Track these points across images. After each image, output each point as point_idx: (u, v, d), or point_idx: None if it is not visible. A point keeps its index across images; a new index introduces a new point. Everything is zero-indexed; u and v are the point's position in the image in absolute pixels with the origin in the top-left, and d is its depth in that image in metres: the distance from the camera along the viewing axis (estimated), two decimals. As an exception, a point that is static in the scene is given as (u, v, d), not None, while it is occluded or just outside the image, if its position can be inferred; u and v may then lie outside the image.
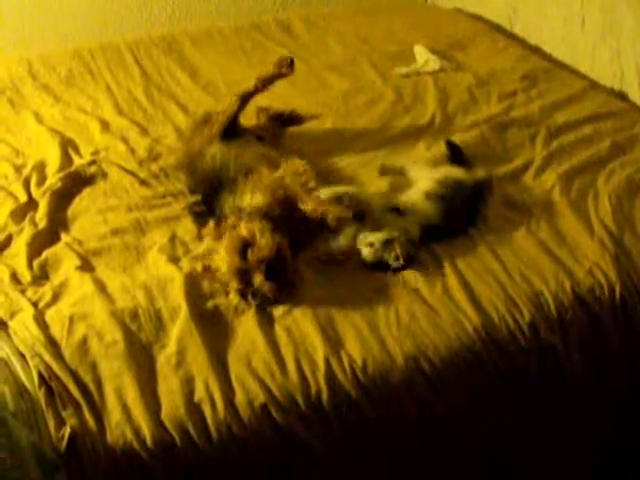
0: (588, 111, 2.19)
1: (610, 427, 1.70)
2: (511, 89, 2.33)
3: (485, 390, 1.50)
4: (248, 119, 2.07)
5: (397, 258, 1.59)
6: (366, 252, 1.61)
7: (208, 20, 3.03)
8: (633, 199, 1.84)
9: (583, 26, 2.48)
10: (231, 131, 1.93)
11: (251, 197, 1.68)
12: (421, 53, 2.52)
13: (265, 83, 2.01)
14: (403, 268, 1.60)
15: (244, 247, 1.54)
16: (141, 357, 1.42)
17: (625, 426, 1.72)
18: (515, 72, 2.42)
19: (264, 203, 1.66)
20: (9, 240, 1.74)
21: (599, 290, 1.59)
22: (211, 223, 1.67)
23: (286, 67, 2.03)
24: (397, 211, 1.71)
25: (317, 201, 1.63)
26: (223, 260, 1.56)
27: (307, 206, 1.62)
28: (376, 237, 1.61)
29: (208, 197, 1.78)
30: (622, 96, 2.34)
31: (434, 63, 2.46)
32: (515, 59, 2.53)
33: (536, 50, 2.66)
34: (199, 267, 1.60)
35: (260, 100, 2.27)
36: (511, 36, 2.78)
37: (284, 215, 1.65)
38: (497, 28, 2.85)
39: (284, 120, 2.13)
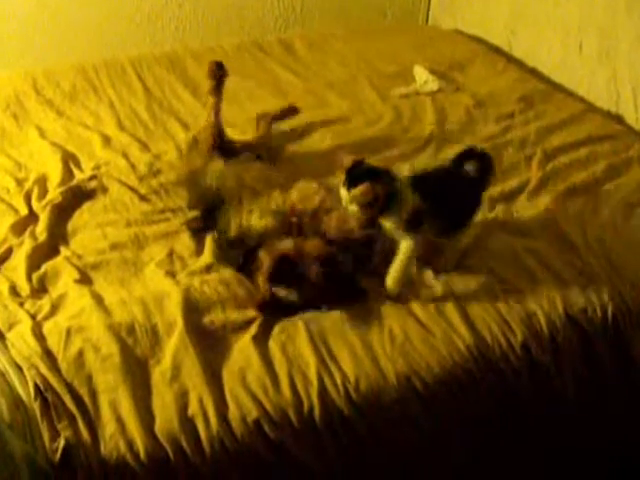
0: (584, 134, 2.22)
1: (602, 446, 1.71)
2: (509, 111, 2.36)
3: (477, 409, 1.51)
4: (245, 132, 2.12)
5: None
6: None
7: (211, 38, 3.07)
8: (627, 220, 1.86)
9: (580, 50, 2.51)
10: (228, 150, 1.95)
11: (260, 218, 1.70)
12: (420, 74, 2.55)
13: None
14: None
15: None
16: (136, 371, 1.43)
17: (617, 444, 1.73)
18: (513, 94, 2.46)
19: (272, 227, 1.68)
20: (9, 253, 1.75)
21: (591, 310, 1.61)
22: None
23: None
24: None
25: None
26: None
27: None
28: None
29: (207, 213, 1.80)
30: (618, 119, 2.37)
31: (433, 84, 2.49)
32: (513, 81, 2.56)
33: (534, 72, 2.70)
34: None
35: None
36: (510, 58, 2.81)
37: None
38: (496, 50, 2.89)
39: (282, 116, 2.19)
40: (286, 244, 1.61)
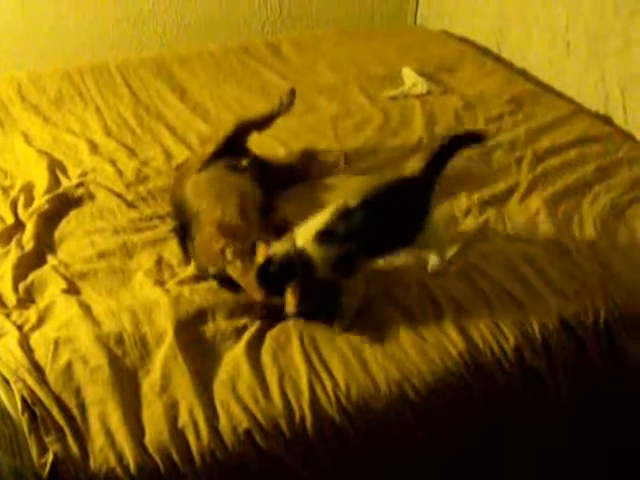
0: (573, 135, 2.22)
1: (596, 450, 1.70)
2: (497, 112, 2.35)
3: (470, 415, 1.50)
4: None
5: None
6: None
7: (198, 42, 3.05)
8: (618, 223, 1.86)
9: (568, 50, 2.51)
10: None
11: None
12: (409, 76, 2.55)
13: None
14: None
15: None
16: (126, 382, 1.41)
17: (611, 448, 1.72)
18: (502, 95, 2.45)
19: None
20: (-5, 262, 1.73)
21: (584, 315, 1.60)
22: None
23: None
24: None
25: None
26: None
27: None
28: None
29: (181, 228, 1.79)
30: (607, 120, 2.37)
31: (422, 86, 2.49)
32: (502, 82, 2.56)
33: (523, 73, 2.70)
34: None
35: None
36: (498, 59, 2.82)
37: None
38: (484, 51, 2.89)
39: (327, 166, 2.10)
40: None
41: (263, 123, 2.05)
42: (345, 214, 1.51)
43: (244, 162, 1.92)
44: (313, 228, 1.51)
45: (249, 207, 1.76)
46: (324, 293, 1.53)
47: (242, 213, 1.73)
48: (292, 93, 2.07)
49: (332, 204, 1.56)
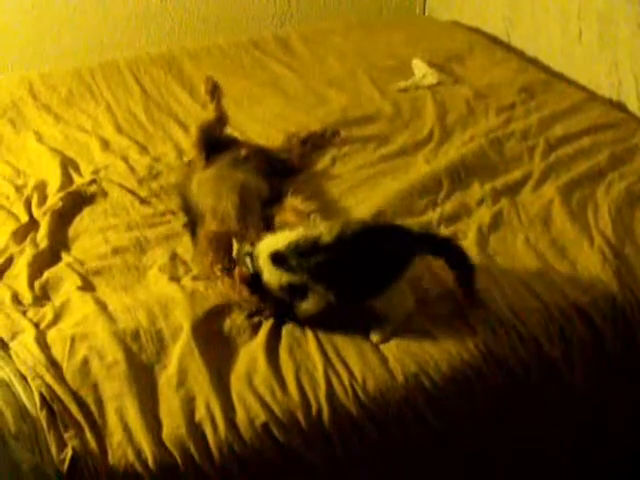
0: (586, 123, 2.20)
1: (616, 439, 1.70)
2: (509, 102, 2.33)
3: (487, 406, 1.50)
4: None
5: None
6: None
7: (207, 37, 3.05)
8: (633, 210, 1.85)
9: (580, 38, 2.49)
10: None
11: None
12: (419, 67, 2.53)
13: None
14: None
15: None
16: (142, 377, 1.42)
17: (628, 438, 1.71)
18: (513, 85, 2.43)
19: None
20: (10, 261, 1.74)
21: (600, 302, 1.59)
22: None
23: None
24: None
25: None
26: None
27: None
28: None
29: (191, 224, 1.79)
30: (620, 107, 2.35)
31: (432, 77, 2.47)
32: (513, 71, 2.54)
33: (534, 62, 2.68)
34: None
35: (258, 115, 2.30)
36: (509, 48, 2.79)
37: None
38: (494, 40, 2.86)
39: (314, 141, 2.12)
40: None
41: (220, 119, 2.05)
42: (313, 245, 1.42)
43: (243, 152, 1.93)
44: (271, 246, 1.46)
45: (252, 204, 1.76)
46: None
47: (242, 213, 1.72)
48: (208, 81, 2.11)
49: (305, 228, 1.48)
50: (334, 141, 2.13)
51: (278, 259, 1.44)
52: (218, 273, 1.59)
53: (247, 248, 1.50)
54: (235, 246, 1.53)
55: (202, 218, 1.74)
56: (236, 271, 1.50)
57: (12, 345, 1.49)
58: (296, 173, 2.01)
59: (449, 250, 1.53)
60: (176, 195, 1.92)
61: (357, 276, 1.44)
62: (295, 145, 2.07)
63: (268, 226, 1.69)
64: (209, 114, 2.07)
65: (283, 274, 1.45)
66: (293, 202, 1.78)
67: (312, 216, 1.71)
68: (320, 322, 1.49)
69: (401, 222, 1.74)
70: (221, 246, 1.62)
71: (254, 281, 1.48)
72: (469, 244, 1.71)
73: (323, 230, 1.44)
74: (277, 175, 1.94)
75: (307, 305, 1.47)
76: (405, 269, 1.46)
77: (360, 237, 1.45)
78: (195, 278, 1.64)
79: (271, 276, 1.46)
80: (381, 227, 1.54)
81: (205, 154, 1.95)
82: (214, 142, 1.99)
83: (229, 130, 2.11)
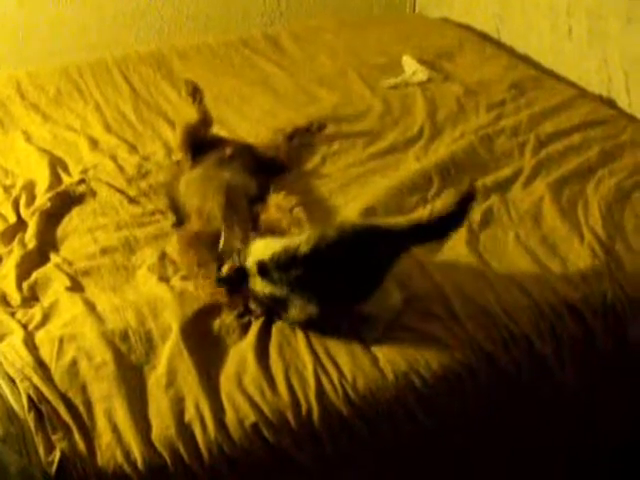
0: (576, 119, 2.20)
1: (606, 436, 1.70)
2: (499, 98, 2.33)
3: (477, 403, 1.49)
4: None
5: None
6: None
7: (196, 36, 3.03)
8: (622, 206, 1.85)
9: (570, 34, 2.49)
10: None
11: None
12: (409, 64, 2.53)
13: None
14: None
15: None
16: (131, 378, 1.41)
17: (618, 435, 1.71)
18: (503, 81, 2.43)
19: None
20: (-2, 261, 1.73)
21: (591, 299, 1.59)
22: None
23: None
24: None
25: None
26: None
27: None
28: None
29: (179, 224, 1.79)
30: (610, 103, 2.35)
31: (422, 74, 2.47)
32: (503, 68, 2.54)
33: (524, 59, 2.67)
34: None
35: (248, 114, 2.29)
36: (499, 45, 2.79)
37: None
38: (484, 37, 2.86)
39: (301, 136, 2.12)
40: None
41: (205, 120, 2.05)
42: (292, 258, 1.40)
43: (228, 151, 1.93)
44: (259, 254, 1.45)
45: (239, 202, 1.75)
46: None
47: (228, 213, 1.70)
48: (188, 84, 2.12)
49: (287, 238, 1.48)
50: (321, 135, 2.13)
51: (263, 270, 1.43)
52: (199, 272, 1.58)
53: (236, 244, 1.48)
54: (222, 240, 1.52)
55: (188, 218, 1.73)
56: (224, 268, 1.49)
57: (0, 347, 1.47)
58: (284, 170, 2.00)
59: (438, 230, 1.47)
60: (164, 195, 1.91)
61: (338, 285, 1.42)
62: (282, 141, 2.06)
63: (255, 225, 1.69)
64: (192, 115, 2.06)
65: (266, 285, 1.44)
66: (276, 199, 1.77)
67: (295, 210, 1.71)
68: (308, 326, 1.48)
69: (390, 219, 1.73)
70: (204, 245, 1.61)
71: (238, 276, 1.47)
72: (459, 241, 1.70)
73: (301, 240, 1.42)
74: (265, 172, 1.93)
75: (290, 315, 1.46)
76: (388, 271, 1.44)
77: (337, 246, 1.41)
78: (184, 278, 1.63)
79: (256, 284, 1.45)
80: (359, 232, 1.47)
81: (191, 155, 1.94)
82: (199, 143, 1.98)
83: (216, 129, 2.10)
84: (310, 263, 1.40)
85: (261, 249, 1.46)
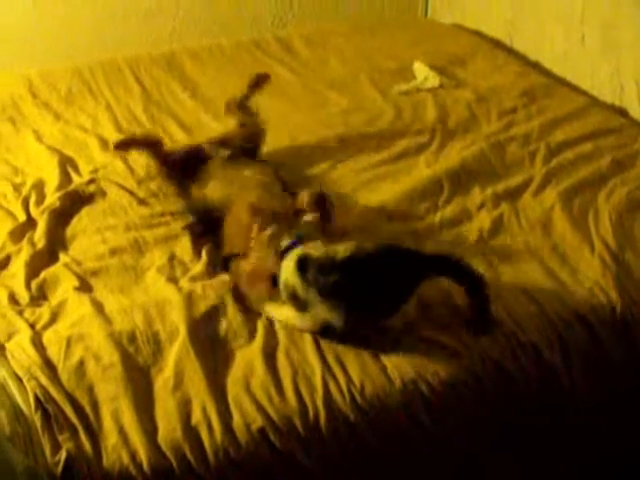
0: (588, 128, 2.19)
1: (614, 446, 1.69)
2: (511, 106, 2.33)
3: (485, 411, 1.49)
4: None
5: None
6: None
7: (208, 37, 3.04)
8: (634, 216, 1.84)
9: (583, 42, 2.48)
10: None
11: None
12: (421, 70, 2.53)
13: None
14: None
15: None
16: (138, 380, 1.40)
17: (629, 444, 1.70)
18: (515, 89, 2.43)
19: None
20: (7, 260, 1.72)
21: (600, 309, 1.58)
22: None
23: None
24: None
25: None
26: None
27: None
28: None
29: (205, 220, 1.79)
30: (622, 112, 2.35)
31: (434, 80, 2.47)
32: (515, 75, 2.53)
33: (536, 66, 2.67)
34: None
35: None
36: (511, 52, 2.79)
37: None
38: (497, 44, 2.86)
39: (253, 88, 2.13)
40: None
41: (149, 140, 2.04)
42: (330, 261, 1.43)
43: (223, 152, 1.93)
44: (307, 249, 1.47)
45: (275, 190, 1.79)
46: None
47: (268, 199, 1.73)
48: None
49: (324, 247, 1.48)
50: (266, 85, 2.14)
51: (302, 264, 1.44)
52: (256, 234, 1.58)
53: (285, 242, 1.51)
54: (271, 229, 1.55)
55: (230, 204, 1.73)
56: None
57: (8, 346, 1.47)
58: (262, 138, 2.02)
59: (463, 274, 1.50)
60: (178, 197, 1.90)
61: (369, 296, 1.43)
62: (240, 116, 2.06)
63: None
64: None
65: (296, 279, 1.44)
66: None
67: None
68: (321, 334, 1.49)
69: (402, 226, 1.75)
70: (262, 218, 1.62)
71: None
72: (469, 248, 1.70)
73: (341, 248, 1.44)
74: (253, 155, 1.96)
75: (302, 321, 1.47)
76: (414, 291, 1.46)
77: (373, 258, 1.44)
78: (193, 279, 1.63)
79: (287, 272, 1.46)
80: (395, 250, 1.51)
81: (179, 173, 1.93)
82: (178, 160, 1.96)
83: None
84: (346, 270, 1.42)
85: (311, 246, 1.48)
